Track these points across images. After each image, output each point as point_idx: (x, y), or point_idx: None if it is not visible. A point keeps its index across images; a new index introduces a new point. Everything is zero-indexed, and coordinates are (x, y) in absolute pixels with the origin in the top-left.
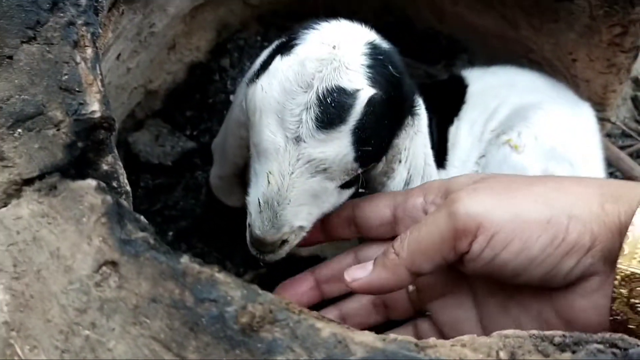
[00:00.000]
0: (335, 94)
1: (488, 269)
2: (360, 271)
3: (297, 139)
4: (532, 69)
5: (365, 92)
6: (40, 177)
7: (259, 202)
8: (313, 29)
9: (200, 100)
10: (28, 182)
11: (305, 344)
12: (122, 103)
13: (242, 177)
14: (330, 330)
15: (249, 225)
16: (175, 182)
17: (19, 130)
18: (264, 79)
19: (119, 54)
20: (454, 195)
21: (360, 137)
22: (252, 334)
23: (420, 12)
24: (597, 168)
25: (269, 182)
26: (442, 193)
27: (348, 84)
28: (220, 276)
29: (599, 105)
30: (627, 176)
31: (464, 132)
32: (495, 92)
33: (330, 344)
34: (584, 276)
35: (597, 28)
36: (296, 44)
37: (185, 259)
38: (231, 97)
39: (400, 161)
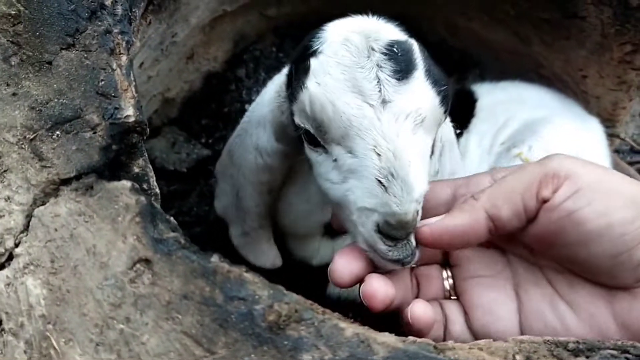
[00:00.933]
0: (395, 46)
1: (563, 224)
2: (433, 219)
3: (384, 102)
4: (542, 84)
5: (412, 40)
6: (77, 177)
7: (380, 182)
8: (321, 31)
9: (216, 109)
10: (65, 182)
11: (329, 342)
12: None
13: (267, 231)
14: (353, 330)
15: (378, 223)
16: (190, 188)
17: (58, 132)
18: (311, 80)
19: (142, 63)
20: (551, 155)
21: (434, 79)
22: (279, 331)
23: (433, 26)
24: None
25: (379, 155)
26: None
27: (398, 36)
28: (249, 276)
29: (609, 122)
30: None
31: (473, 145)
32: (505, 106)
33: (354, 343)
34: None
35: (608, 46)
36: (319, 46)
37: (215, 259)
38: (246, 106)
39: (436, 172)
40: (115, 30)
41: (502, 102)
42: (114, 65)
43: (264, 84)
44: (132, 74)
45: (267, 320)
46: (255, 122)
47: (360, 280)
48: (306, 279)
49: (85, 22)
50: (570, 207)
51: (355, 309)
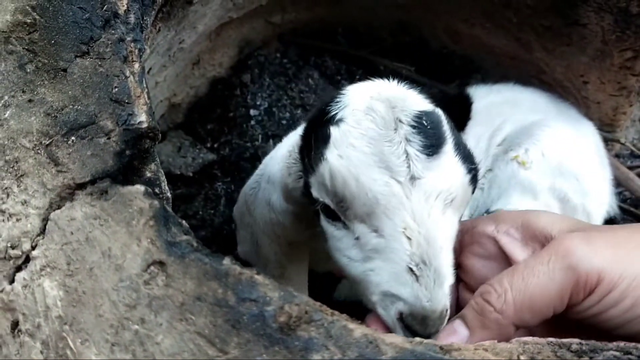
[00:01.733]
0: (423, 117)
1: (590, 320)
2: (453, 337)
3: (412, 179)
4: (544, 90)
5: (439, 110)
6: (92, 182)
7: (411, 269)
8: (340, 95)
9: (221, 114)
10: (81, 186)
11: (339, 343)
12: None
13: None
14: (361, 332)
15: (402, 314)
16: (196, 192)
17: (73, 138)
18: (332, 152)
19: (150, 69)
20: (568, 245)
21: (463, 154)
22: (290, 332)
23: (435, 33)
24: (602, 181)
25: (409, 239)
26: (520, 226)
27: (425, 107)
28: (260, 278)
29: (609, 127)
30: (637, 195)
31: (470, 147)
32: (500, 109)
33: (362, 344)
34: None
35: (609, 52)
36: (337, 112)
37: (227, 261)
38: (251, 111)
39: None
40: (129, 39)
41: (497, 104)
42: (127, 73)
43: (268, 89)
44: (144, 81)
45: (278, 321)
46: (266, 177)
47: None
48: (311, 283)
49: (100, 30)
50: (599, 310)
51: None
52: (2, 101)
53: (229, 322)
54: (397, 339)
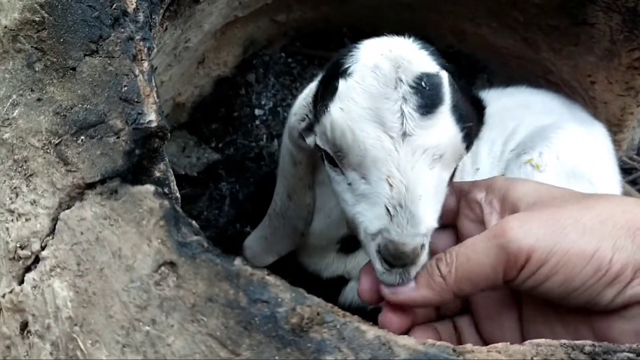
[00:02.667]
0: (425, 79)
1: (531, 293)
2: (403, 288)
3: (404, 135)
4: (551, 90)
5: (443, 72)
6: (102, 181)
7: (388, 210)
8: (355, 49)
9: (226, 114)
10: (90, 186)
11: (351, 344)
12: None
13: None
14: (374, 333)
15: (379, 246)
16: (200, 192)
17: (82, 137)
18: (336, 105)
19: (156, 68)
20: (506, 225)
21: (459, 114)
22: (302, 334)
23: (441, 32)
24: (614, 185)
25: (391, 186)
26: (501, 196)
27: (429, 69)
28: (271, 279)
29: (616, 127)
30: None
31: (484, 153)
32: (513, 113)
33: (375, 345)
34: (627, 304)
35: (617, 52)
36: (350, 65)
37: (238, 262)
38: (256, 111)
39: None
40: (137, 37)
41: (509, 108)
42: (137, 71)
43: (273, 88)
44: (153, 80)
45: (290, 323)
46: (296, 129)
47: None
48: (316, 290)
49: (109, 29)
50: (533, 284)
51: (366, 317)
52: (11, 100)
53: (240, 324)
54: (410, 341)
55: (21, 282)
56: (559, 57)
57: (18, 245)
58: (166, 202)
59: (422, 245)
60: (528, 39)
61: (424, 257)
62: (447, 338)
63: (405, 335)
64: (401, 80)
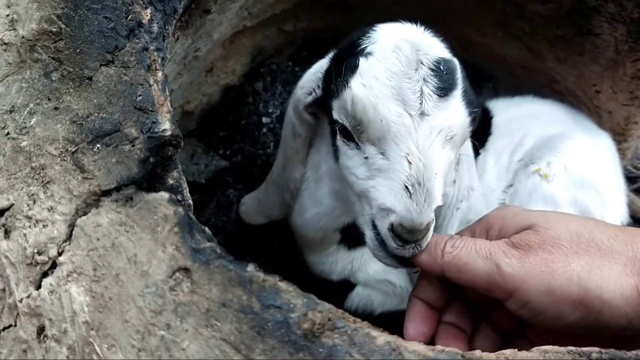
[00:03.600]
0: (442, 63)
1: (534, 321)
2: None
3: (422, 114)
4: (555, 99)
5: (455, 60)
6: (118, 188)
7: (407, 187)
8: (372, 31)
9: (234, 122)
10: (106, 193)
11: (362, 350)
12: None
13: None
14: (384, 339)
15: (393, 224)
16: (208, 199)
17: (98, 145)
18: (357, 81)
19: (166, 76)
20: (505, 248)
21: (468, 100)
22: (314, 339)
23: (447, 42)
24: (620, 194)
25: (410, 163)
26: (497, 231)
27: (445, 54)
28: (283, 285)
29: (621, 136)
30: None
31: (491, 162)
32: (520, 123)
33: (386, 351)
34: (630, 341)
35: (622, 62)
36: (368, 45)
37: (251, 268)
38: (263, 119)
39: (453, 181)
40: (152, 47)
41: (516, 118)
42: (151, 81)
43: (280, 97)
44: (167, 89)
45: (302, 328)
46: (302, 102)
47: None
48: (324, 294)
49: (124, 39)
50: (524, 314)
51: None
52: (28, 109)
53: (254, 329)
54: (420, 347)
55: (38, 287)
56: (564, 66)
57: (35, 250)
58: (180, 209)
59: (433, 220)
60: (533, 48)
61: (429, 236)
62: None
63: (415, 341)
64: (422, 63)
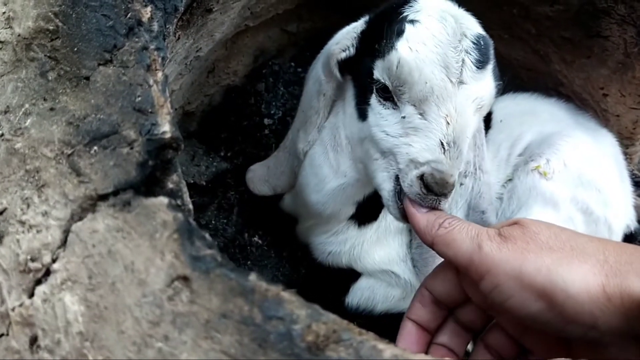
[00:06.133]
0: (481, 39)
1: (502, 309)
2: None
3: (460, 82)
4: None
5: (488, 37)
6: (115, 193)
7: (442, 144)
8: (415, 1)
9: (235, 123)
10: (103, 197)
11: None
12: None
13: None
14: (391, 352)
15: (424, 174)
16: (209, 201)
17: (95, 147)
18: (404, 44)
19: (166, 77)
20: (492, 234)
21: (496, 74)
22: (318, 352)
23: None
24: (624, 196)
25: (448, 124)
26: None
27: (481, 30)
28: (286, 295)
29: (628, 140)
30: None
31: (490, 155)
32: (520, 119)
33: None
34: (601, 343)
35: (631, 64)
36: (410, 13)
37: (253, 277)
38: (265, 120)
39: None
40: (152, 47)
41: (517, 114)
42: (151, 81)
43: (282, 98)
44: (167, 90)
45: (305, 341)
46: (335, 59)
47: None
48: (326, 287)
49: (123, 38)
50: (497, 299)
51: (372, 322)
52: (23, 109)
53: (255, 341)
54: (427, 359)
55: (31, 295)
56: (570, 69)
57: (29, 257)
58: (180, 215)
59: (456, 180)
60: (539, 50)
61: (454, 192)
62: None
63: (422, 354)
64: (465, 35)
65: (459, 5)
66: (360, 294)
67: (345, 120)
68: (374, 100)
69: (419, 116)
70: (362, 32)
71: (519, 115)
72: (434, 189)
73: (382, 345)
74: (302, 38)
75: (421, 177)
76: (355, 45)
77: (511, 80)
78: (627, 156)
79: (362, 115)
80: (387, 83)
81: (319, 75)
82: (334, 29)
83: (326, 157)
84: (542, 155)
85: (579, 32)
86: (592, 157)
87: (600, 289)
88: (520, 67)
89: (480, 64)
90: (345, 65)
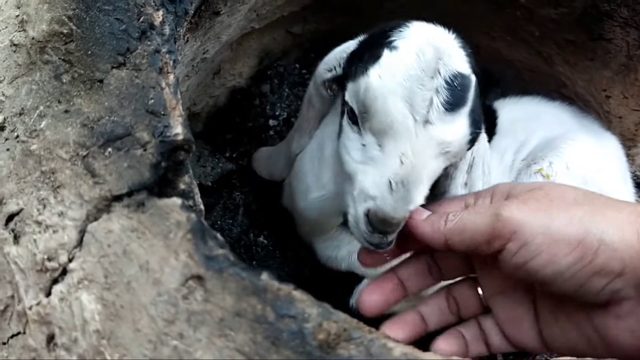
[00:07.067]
0: (458, 79)
1: (521, 273)
2: (419, 214)
3: (425, 122)
4: (564, 103)
5: (473, 77)
6: (129, 194)
7: (390, 183)
8: (405, 26)
9: (240, 124)
10: (117, 198)
11: None
12: None
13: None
14: (401, 350)
15: (369, 210)
16: (214, 202)
17: (109, 149)
18: (375, 71)
19: (178, 79)
20: (504, 201)
21: (473, 119)
22: (329, 350)
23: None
24: (625, 196)
25: (401, 163)
26: (505, 196)
27: (464, 70)
28: (297, 294)
29: (630, 141)
30: None
31: (495, 161)
32: (525, 124)
33: None
34: (616, 299)
35: (633, 67)
36: (396, 39)
37: (265, 276)
38: (270, 121)
39: (465, 184)
40: (164, 50)
41: (521, 119)
42: (163, 84)
43: (287, 99)
44: (178, 93)
45: (317, 339)
46: (324, 78)
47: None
48: (330, 288)
49: (136, 41)
50: (519, 261)
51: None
52: (38, 111)
53: (268, 339)
54: (437, 358)
55: (48, 294)
56: (573, 71)
57: (46, 257)
58: (193, 216)
59: (405, 218)
60: (543, 52)
61: (396, 232)
62: (473, 339)
63: (430, 352)
64: (439, 73)
65: (458, 32)
66: None
67: (332, 137)
68: (345, 121)
69: (378, 147)
70: (352, 53)
71: (523, 120)
72: (378, 227)
73: (391, 343)
74: (306, 40)
75: (367, 214)
76: (342, 65)
77: (514, 82)
78: (630, 158)
79: (339, 133)
80: (354, 107)
81: (310, 89)
82: (338, 31)
83: (312, 165)
84: (545, 158)
85: (582, 34)
86: (595, 159)
87: (636, 236)
88: (524, 68)
89: (451, 107)
90: (337, 83)
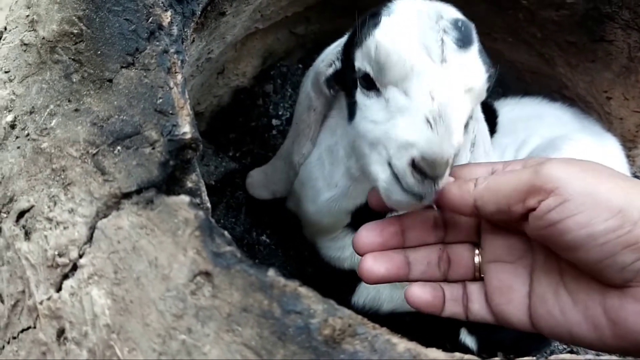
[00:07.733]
0: (460, 21)
1: (548, 232)
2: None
3: (442, 61)
4: (565, 104)
5: (468, 21)
6: (138, 191)
7: (428, 120)
8: (390, 3)
9: (244, 124)
10: (127, 195)
11: (383, 357)
12: None
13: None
14: (405, 346)
15: (414, 159)
16: (218, 201)
17: (119, 147)
18: (381, 31)
19: (185, 79)
20: (547, 160)
21: (483, 58)
22: (335, 345)
23: None
24: None
25: (432, 98)
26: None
27: (460, 16)
28: (303, 290)
29: (631, 143)
30: None
31: (495, 159)
32: (525, 123)
33: (406, 358)
34: (638, 279)
35: (634, 68)
36: (389, 14)
37: (271, 273)
38: (273, 121)
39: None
40: (172, 50)
41: (522, 118)
42: (171, 84)
43: (290, 99)
44: (186, 92)
45: (322, 334)
46: (323, 67)
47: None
48: (332, 286)
49: (145, 42)
50: (554, 218)
51: (379, 321)
52: (48, 110)
53: (275, 334)
54: (440, 355)
55: (59, 289)
56: (575, 72)
57: (56, 252)
58: (201, 213)
59: (452, 158)
60: (544, 54)
61: (449, 171)
62: (453, 299)
63: (434, 348)
64: (442, 17)
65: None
66: (366, 294)
67: (342, 132)
68: (358, 93)
69: (403, 95)
70: (345, 44)
71: (524, 120)
72: (428, 172)
73: (395, 339)
74: (309, 40)
75: (412, 163)
76: (340, 58)
77: (515, 83)
78: (630, 159)
79: (351, 116)
80: (368, 69)
81: (309, 92)
82: (341, 32)
83: (322, 171)
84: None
85: (583, 36)
86: (595, 160)
87: None
88: (525, 70)
89: (462, 43)
90: (336, 80)
